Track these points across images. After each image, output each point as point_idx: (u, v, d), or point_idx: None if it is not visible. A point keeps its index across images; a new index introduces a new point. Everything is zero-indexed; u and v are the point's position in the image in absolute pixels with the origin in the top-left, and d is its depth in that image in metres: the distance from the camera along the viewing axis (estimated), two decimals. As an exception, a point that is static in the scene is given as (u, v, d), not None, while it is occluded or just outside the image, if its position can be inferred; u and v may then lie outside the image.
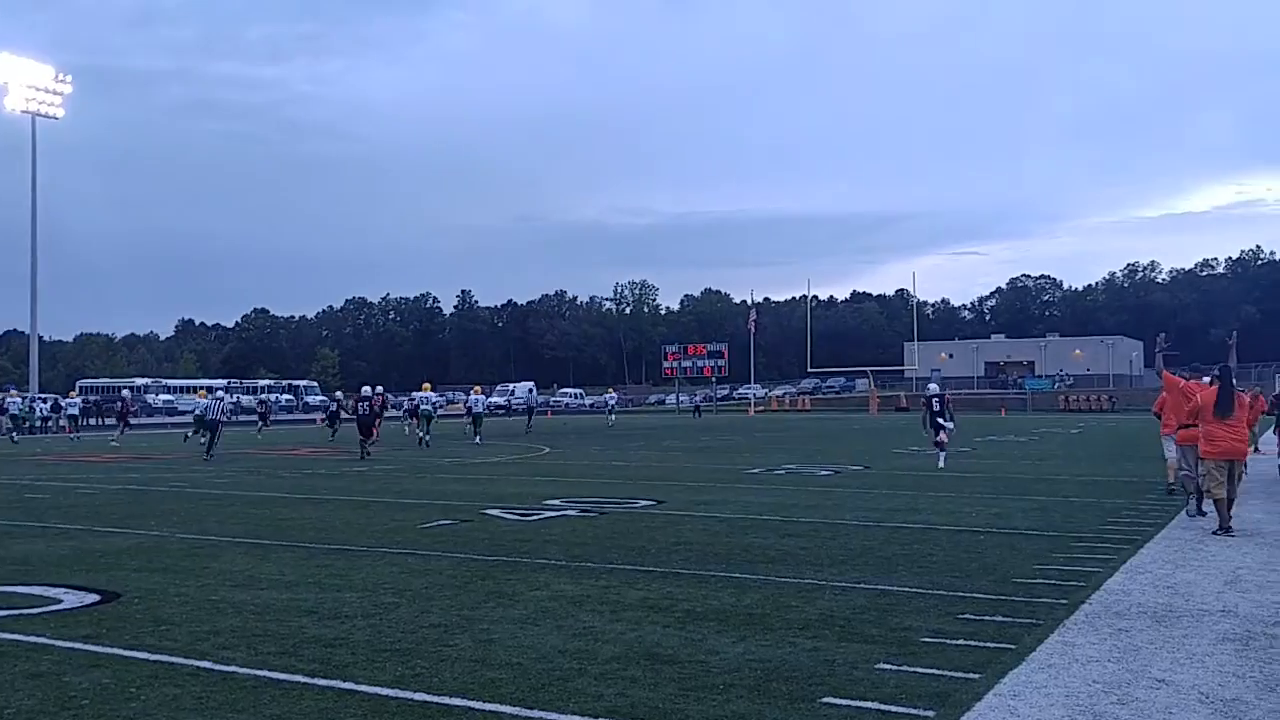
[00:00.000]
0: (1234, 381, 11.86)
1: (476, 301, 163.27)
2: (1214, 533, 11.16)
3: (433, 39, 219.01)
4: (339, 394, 30.19)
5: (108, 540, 11.34)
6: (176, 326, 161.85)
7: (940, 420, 21.00)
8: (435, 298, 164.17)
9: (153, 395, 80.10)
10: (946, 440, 21.07)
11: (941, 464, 20.39)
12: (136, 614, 7.49)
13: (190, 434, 31.36)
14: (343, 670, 5.94)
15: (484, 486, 17.64)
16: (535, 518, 12.94)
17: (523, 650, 6.36)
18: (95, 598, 8.10)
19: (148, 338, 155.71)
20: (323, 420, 35.09)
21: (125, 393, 55.12)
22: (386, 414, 31.83)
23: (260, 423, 43.41)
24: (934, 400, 21.56)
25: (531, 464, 23.71)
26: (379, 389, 30.48)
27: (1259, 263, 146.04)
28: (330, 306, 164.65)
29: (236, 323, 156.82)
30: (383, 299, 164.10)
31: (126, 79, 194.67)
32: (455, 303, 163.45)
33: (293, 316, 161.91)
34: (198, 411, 32.30)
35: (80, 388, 67.95)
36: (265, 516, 13.57)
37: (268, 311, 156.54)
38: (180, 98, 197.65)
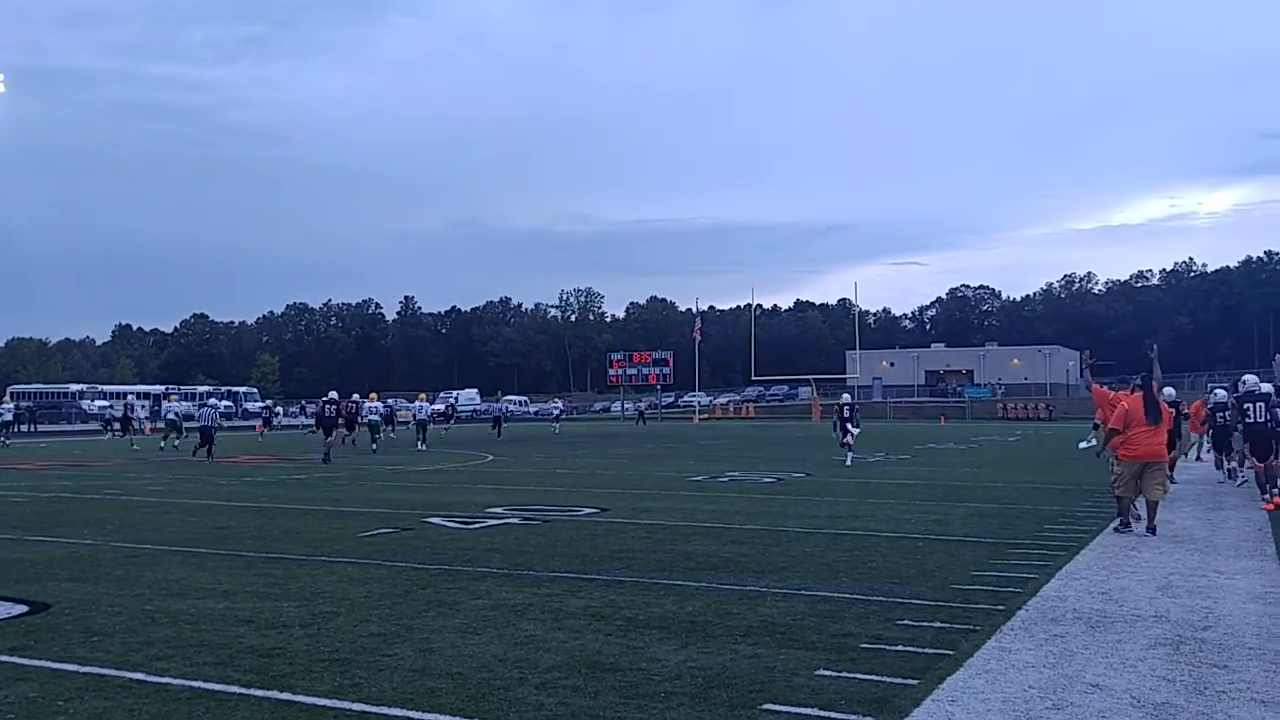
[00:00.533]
0: (1155, 389, 12.47)
1: (420, 308, 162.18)
2: (1114, 529, 11.87)
3: (378, 44, 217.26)
4: (332, 394, 30.56)
5: (38, 549, 11.08)
6: (113, 331, 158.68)
7: (848, 425, 24.58)
8: (378, 304, 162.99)
9: (88, 401, 78.45)
10: (852, 442, 24.50)
11: (849, 462, 23.48)
12: (67, 625, 7.33)
13: (171, 439, 32.05)
14: (280, 680, 5.86)
15: (425, 494, 17.50)
16: (477, 526, 12.87)
17: (463, 659, 6.31)
18: (23, 609, 7.90)
19: (83, 343, 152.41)
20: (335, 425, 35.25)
21: (131, 398, 54.50)
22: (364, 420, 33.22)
23: (265, 427, 45.46)
24: (845, 408, 25.23)
25: (474, 471, 23.58)
26: (355, 396, 31.56)
27: (1191, 274, 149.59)
28: (271, 312, 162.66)
29: (175, 328, 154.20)
30: (324, 305, 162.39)
31: (63, 79, 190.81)
32: (398, 309, 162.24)
33: (232, 322, 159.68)
34: (170, 416, 33.67)
35: (12, 394, 66.39)
36: (202, 525, 13.35)
37: (207, 317, 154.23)
38: (119, 99, 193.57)
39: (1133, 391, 12.58)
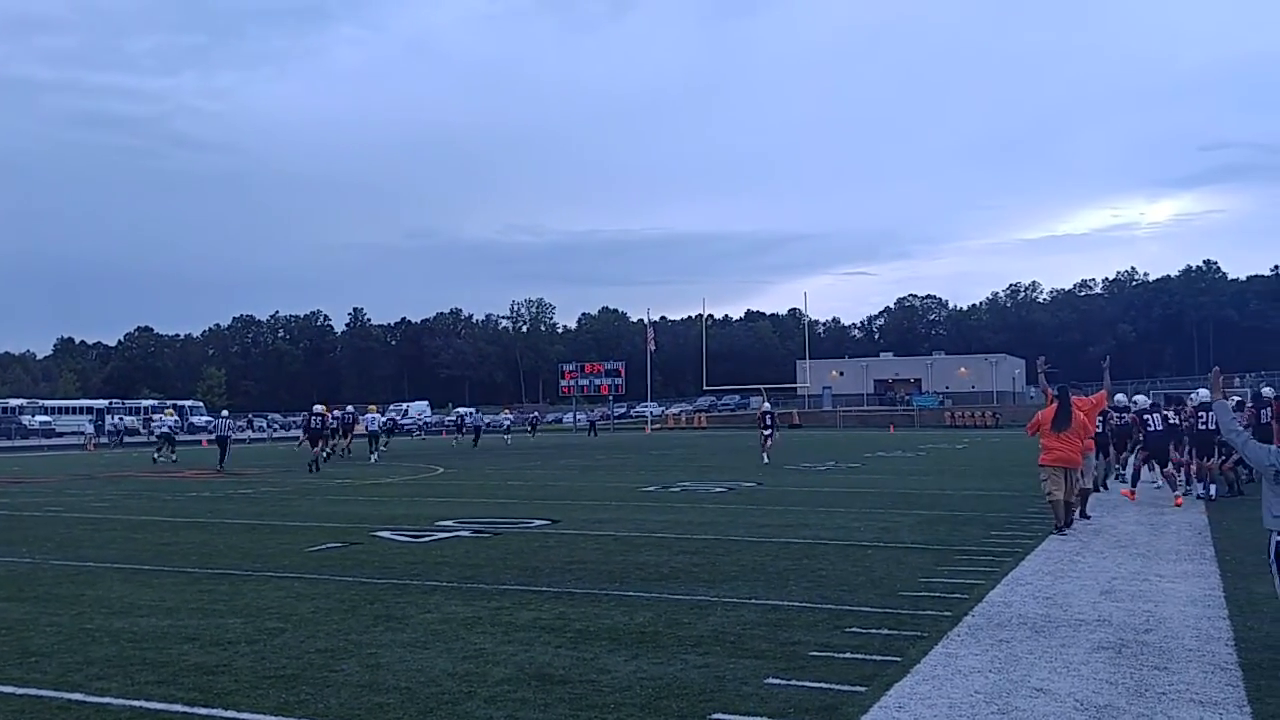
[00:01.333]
0: (1070, 398, 13.14)
1: (369, 319, 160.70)
2: (1053, 532, 12.31)
3: (327, 55, 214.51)
4: (318, 407, 30.36)
5: (-25, 568, 10.84)
6: (55, 345, 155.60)
7: (767, 429, 30.03)
8: (326, 316, 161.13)
9: (28, 416, 76.87)
10: (769, 445, 29.47)
11: (766, 460, 28.41)
12: (3, 645, 7.18)
13: (166, 453, 33.91)
14: (224, 698, 5.78)
15: (375, 508, 17.34)
16: (427, 539, 12.78)
17: (411, 674, 6.26)
18: (-40, 629, 7.73)
19: (24, 356, 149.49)
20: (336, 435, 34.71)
21: (163, 413, 53.62)
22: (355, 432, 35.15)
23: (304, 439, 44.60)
24: (765, 416, 31.03)
25: (424, 484, 23.41)
26: (350, 409, 32.18)
27: (1133, 284, 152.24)
28: (217, 324, 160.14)
29: (119, 341, 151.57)
30: (271, 317, 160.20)
31: (3, 87, 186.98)
32: (347, 320, 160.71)
33: (177, 335, 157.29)
34: (164, 430, 35.52)
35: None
36: (146, 541, 13.14)
37: (151, 329, 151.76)
38: (61, 108, 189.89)
39: (1050, 401, 13.10)
